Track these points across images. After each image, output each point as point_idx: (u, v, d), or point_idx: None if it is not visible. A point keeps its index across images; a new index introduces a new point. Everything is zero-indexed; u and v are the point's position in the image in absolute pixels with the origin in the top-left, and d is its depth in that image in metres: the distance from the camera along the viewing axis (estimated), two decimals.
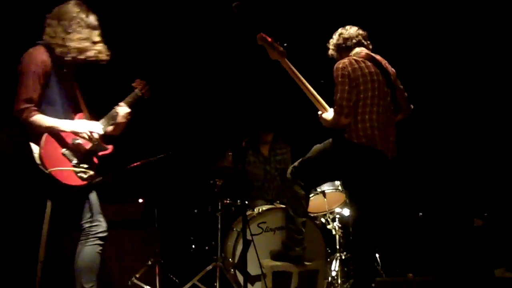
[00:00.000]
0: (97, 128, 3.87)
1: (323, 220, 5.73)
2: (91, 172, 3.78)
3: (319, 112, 4.51)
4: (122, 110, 4.07)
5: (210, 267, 5.35)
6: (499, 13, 6.38)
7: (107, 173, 5.59)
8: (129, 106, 4.13)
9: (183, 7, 6.57)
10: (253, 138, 6.29)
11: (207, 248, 5.95)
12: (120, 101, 4.14)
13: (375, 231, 4.45)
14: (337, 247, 5.51)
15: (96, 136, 3.83)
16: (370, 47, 4.62)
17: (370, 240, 4.43)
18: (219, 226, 5.47)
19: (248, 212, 5.39)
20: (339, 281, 5.28)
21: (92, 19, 3.84)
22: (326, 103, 4.50)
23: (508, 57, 6.41)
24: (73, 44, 3.73)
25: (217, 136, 6.46)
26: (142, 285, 5.31)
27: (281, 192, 5.97)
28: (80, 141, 3.79)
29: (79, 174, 3.71)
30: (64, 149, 3.72)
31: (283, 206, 5.15)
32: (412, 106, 4.64)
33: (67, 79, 3.89)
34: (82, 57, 3.77)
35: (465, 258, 5.93)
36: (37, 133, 3.64)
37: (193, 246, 6.16)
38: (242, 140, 6.08)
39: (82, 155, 3.80)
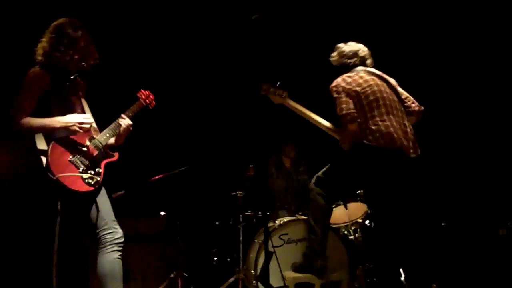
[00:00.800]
0: (88, 118, 3.84)
1: (345, 231, 5.71)
2: (98, 178, 3.80)
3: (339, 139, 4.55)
4: (124, 122, 4.08)
5: (232, 279, 5.36)
6: (497, 13, 6.36)
7: (129, 187, 5.67)
8: (132, 115, 4.16)
9: (204, 19, 6.62)
10: (276, 151, 6.32)
11: (229, 260, 5.95)
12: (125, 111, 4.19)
13: (399, 239, 4.43)
14: (360, 258, 5.49)
15: (87, 126, 3.79)
16: (371, 65, 4.66)
17: (395, 249, 4.41)
18: (241, 238, 5.49)
19: (270, 224, 5.40)
20: None
21: (80, 33, 3.91)
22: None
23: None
24: (62, 58, 3.83)
25: (239, 148, 6.49)
26: None
27: (303, 204, 5.97)
28: (85, 148, 3.83)
29: (86, 180, 3.73)
30: (71, 156, 3.74)
31: (305, 217, 5.15)
32: (422, 107, 4.63)
33: (71, 94, 3.95)
34: (71, 69, 3.89)
35: (489, 268, 5.87)
36: (31, 135, 3.71)
37: (215, 259, 6.16)
38: (267, 156, 6.12)
39: (89, 162, 3.82)
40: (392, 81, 4.61)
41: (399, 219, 4.38)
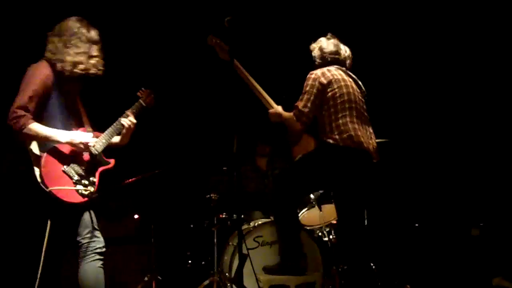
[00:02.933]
0: (91, 139, 3.83)
1: (319, 232, 5.71)
2: (92, 189, 3.77)
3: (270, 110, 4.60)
4: (127, 120, 4.06)
5: (207, 282, 5.34)
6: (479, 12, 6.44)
7: (103, 189, 5.62)
8: (134, 116, 4.12)
9: (182, 20, 6.60)
10: (250, 153, 6.30)
11: (203, 263, 5.93)
12: (125, 111, 4.14)
13: (365, 236, 4.47)
14: (334, 259, 5.49)
15: (91, 145, 3.81)
16: (349, 68, 4.69)
17: (363, 246, 4.43)
18: (215, 240, 5.46)
19: (244, 226, 5.38)
20: None
21: (93, 34, 3.88)
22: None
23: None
24: (69, 58, 3.75)
25: (212, 150, 6.47)
26: None
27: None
28: (79, 156, 3.80)
29: (80, 191, 3.71)
30: (64, 166, 3.71)
31: None
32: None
33: (70, 94, 3.89)
34: (76, 70, 3.77)
35: (462, 268, 5.92)
36: (31, 141, 3.65)
37: (190, 261, 6.14)
38: (241, 158, 6.11)
39: (84, 171, 3.79)
40: (363, 88, 4.65)
41: (365, 218, 4.43)
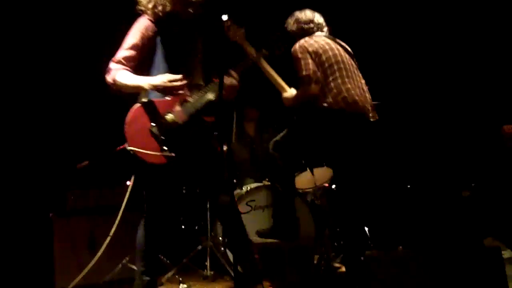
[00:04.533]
0: (180, 79, 3.54)
1: (312, 196, 5.73)
2: (172, 154, 3.52)
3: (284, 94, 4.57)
4: (228, 80, 3.67)
5: (200, 247, 5.36)
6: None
7: (93, 157, 5.60)
8: (240, 70, 3.79)
9: None
10: (238, 117, 6.26)
11: (196, 228, 5.95)
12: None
13: (361, 199, 4.49)
14: (327, 222, 5.52)
15: (177, 84, 3.52)
16: (328, 33, 4.68)
17: (358, 211, 4.46)
18: (208, 206, 5.47)
19: (236, 191, 5.39)
20: (330, 256, 5.30)
21: None
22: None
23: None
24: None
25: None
26: (134, 267, 5.30)
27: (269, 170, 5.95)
28: (172, 115, 3.55)
29: (165, 154, 3.52)
30: (153, 124, 3.50)
31: (271, 183, 5.15)
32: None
33: (180, 44, 3.70)
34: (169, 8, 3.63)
35: (454, 229, 5.96)
36: (127, 95, 3.56)
37: (183, 227, 6.15)
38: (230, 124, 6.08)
39: (172, 131, 3.54)
40: (349, 49, 4.66)
41: (362, 181, 4.44)
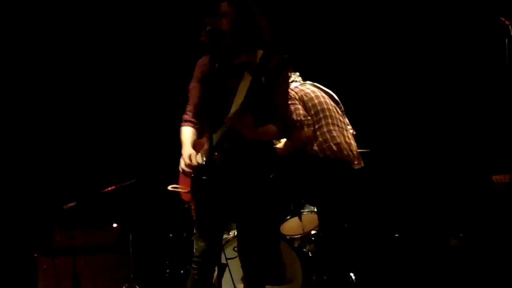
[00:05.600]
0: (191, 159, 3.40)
1: (299, 242, 5.69)
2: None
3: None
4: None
5: None
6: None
7: (80, 198, 5.59)
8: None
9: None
10: None
11: (182, 272, 5.89)
12: None
13: (347, 246, 4.49)
14: (314, 269, 5.48)
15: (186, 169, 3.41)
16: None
17: (344, 258, 4.45)
18: (194, 250, 5.42)
19: (224, 236, 5.35)
20: None
21: None
22: None
23: None
24: None
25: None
26: None
27: None
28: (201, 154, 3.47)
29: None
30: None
31: None
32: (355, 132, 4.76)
33: (225, 81, 3.43)
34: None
35: (441, 278, 5.93)
36: None
37: (168, 271, 6.09)
38: None
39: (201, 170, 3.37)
40: (335, 96, 4.70)
41: (347, 228, 4.46)
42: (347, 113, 4.77)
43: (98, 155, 6.34)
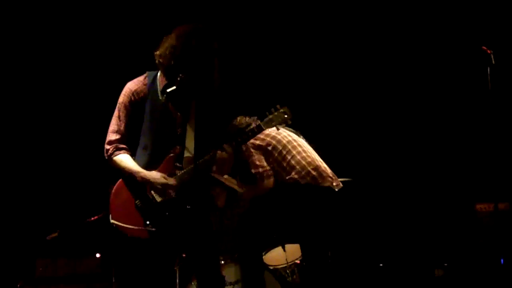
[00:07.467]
0: (172, 186, 3.41)
1: (283, 272, 5.66)
2: (153, 229, 3.45)
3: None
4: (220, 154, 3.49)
5: None
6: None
7: (63, 228, 5.56)
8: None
9: None
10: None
11: None
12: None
13: (329, 274, 4.50)
14: None
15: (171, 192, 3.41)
16: None
17: (327, 285, 4.46)
18: (177, 281, 5.39)
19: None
20: None
21: None
22: None
23: None
24: None
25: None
26: None
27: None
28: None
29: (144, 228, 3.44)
30: (138, 201, 3.43)
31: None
32: None
33: (169, 111, 3.45)
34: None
35: None
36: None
37: None
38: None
39: (157, 205, 3.44)
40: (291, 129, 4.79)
41: (331, 257, 4.47)
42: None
43: (80, 185, 6.31)
